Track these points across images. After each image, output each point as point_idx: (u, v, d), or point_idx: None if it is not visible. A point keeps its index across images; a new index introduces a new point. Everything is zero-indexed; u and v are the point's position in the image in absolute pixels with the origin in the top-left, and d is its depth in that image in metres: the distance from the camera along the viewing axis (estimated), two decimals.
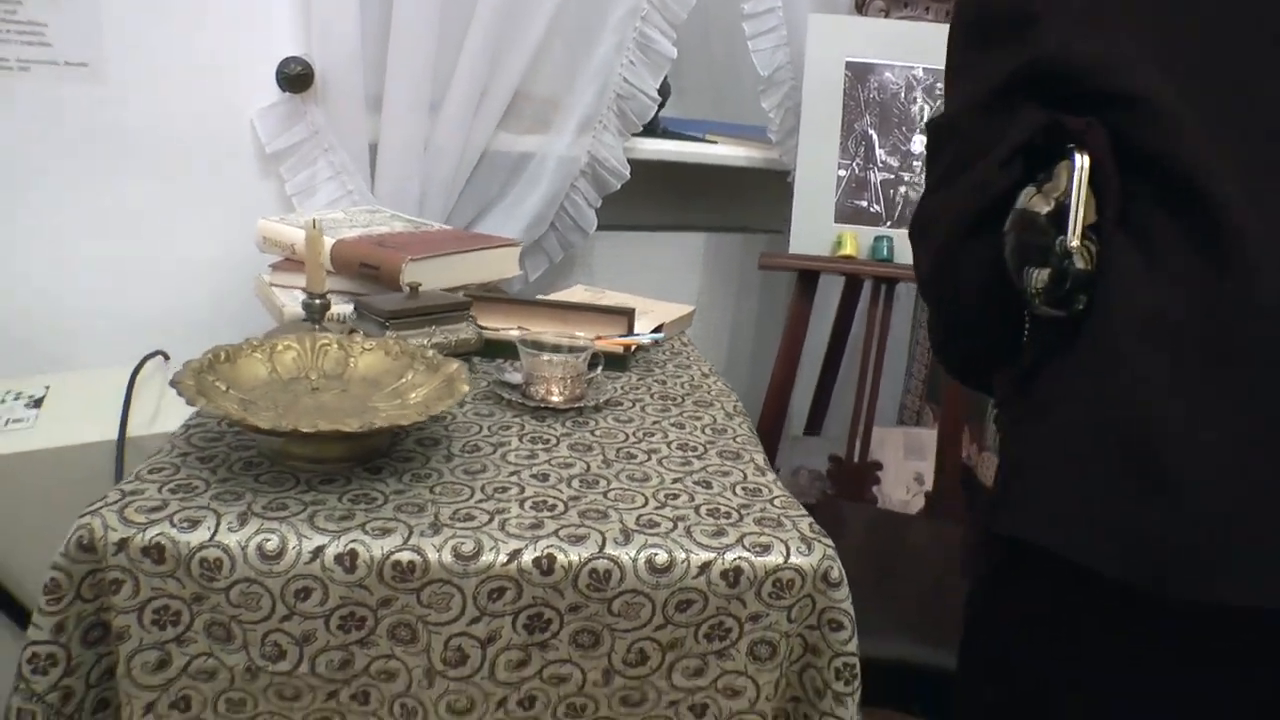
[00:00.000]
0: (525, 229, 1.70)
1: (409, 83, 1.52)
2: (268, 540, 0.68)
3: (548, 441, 0.90)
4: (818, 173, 1.77)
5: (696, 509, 0.79)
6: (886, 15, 1.79)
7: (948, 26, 0.92)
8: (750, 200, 2.19)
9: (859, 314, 2.06)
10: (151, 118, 1.46)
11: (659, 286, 2.02)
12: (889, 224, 1.77)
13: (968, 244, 0.81)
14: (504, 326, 1.16)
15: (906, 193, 1.77)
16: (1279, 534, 0.67)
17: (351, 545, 0.69)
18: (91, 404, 1.19)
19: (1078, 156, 0.73)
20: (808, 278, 1.80)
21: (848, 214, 1.78)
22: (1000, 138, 0.79)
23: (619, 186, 1.79)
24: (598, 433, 0.93)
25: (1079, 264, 0.72)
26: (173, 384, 0.75)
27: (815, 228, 1.77)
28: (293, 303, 1.19)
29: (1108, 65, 0.75)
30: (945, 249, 0.83)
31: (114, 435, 1.13)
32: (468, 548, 0.70)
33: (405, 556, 0.69)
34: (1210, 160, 0.72)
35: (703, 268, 2.09)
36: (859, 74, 1.76)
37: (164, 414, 1.22)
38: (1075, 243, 0.72)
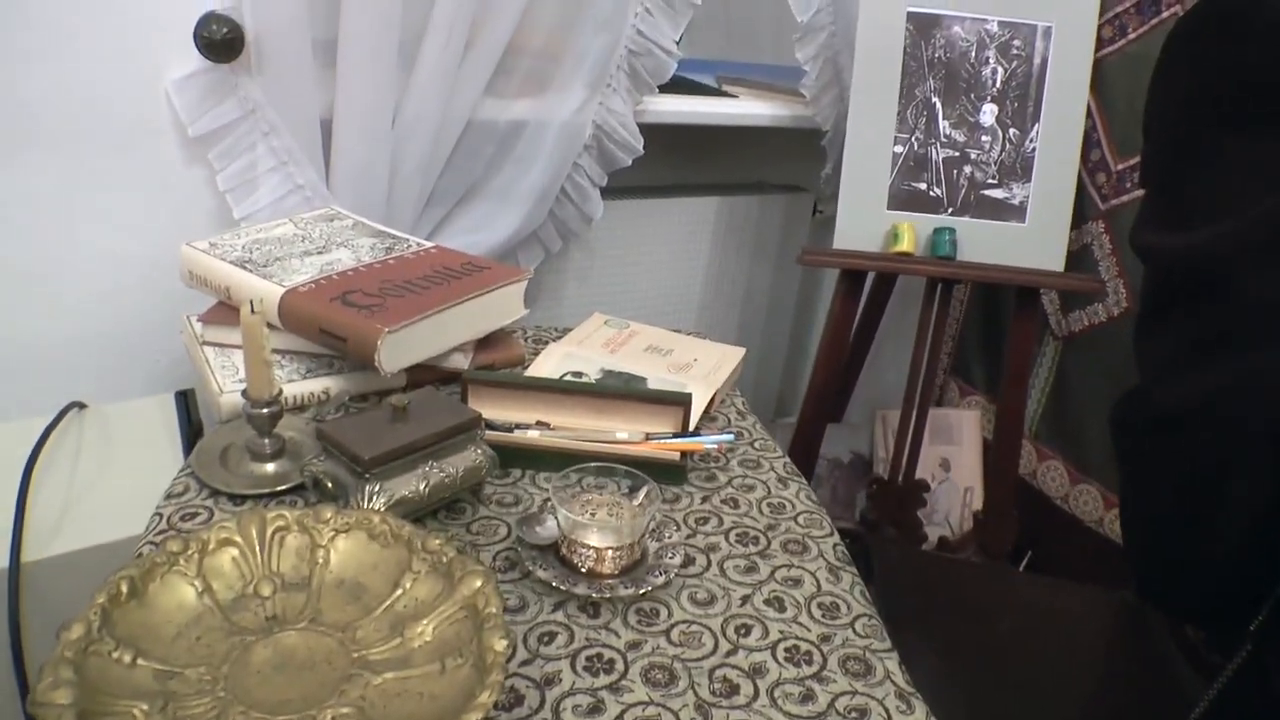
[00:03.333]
0: (522, 221, 1.38)
1: (370, 36, 1.17)
2: None
3: (610, 667, 0.62)
4: (870, 150, 1.46)
5: None
6: None
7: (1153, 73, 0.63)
8: (767, 154, 1.88)
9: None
10: (38, 89, 1.10)
11: (667, 260, 1.74)
12: (951, 211, 1.48)
13: (1249, 460, 0.54)
14: (518, 421, 0.87)
15: (972, 173, 1.48)
16: None
17: None
18: None
19: None
20: (854, 275, 1.51)
21: (903, 199, 1.48)
22: None
23: (630, 162, 1.47)
24: (676, 635, 0.66)
25: None
26: (38, 701, 0.46)
27: (865, 216, 1.48)
28: (233, 386, 0.89)
29: None
30: (1213, 466, 0.56)
31: None
32: None
33: None
34: None
35: (713, 235, 1.79)
36: (922, 27, 1.44)
37: (71, 520, 0.93)
38: None
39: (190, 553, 0.59)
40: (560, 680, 0.60)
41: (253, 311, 0.74)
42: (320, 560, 0.62)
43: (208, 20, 1.09)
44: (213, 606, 0.58)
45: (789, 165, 1.86)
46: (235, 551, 0.61)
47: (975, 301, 1.96)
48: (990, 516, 1.62)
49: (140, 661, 0.52)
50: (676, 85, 1.51)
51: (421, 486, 0.72)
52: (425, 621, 0.57)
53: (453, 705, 0.50)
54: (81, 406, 1.14)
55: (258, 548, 0.61)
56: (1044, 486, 1.76)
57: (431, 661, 0.55)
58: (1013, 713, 0.98)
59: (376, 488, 0.69)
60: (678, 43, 1.43)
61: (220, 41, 1.10)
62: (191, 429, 1.13)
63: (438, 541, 0.62)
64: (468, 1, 1.21)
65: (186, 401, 1.20)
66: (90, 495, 0.98)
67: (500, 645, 0.53)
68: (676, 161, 1.74)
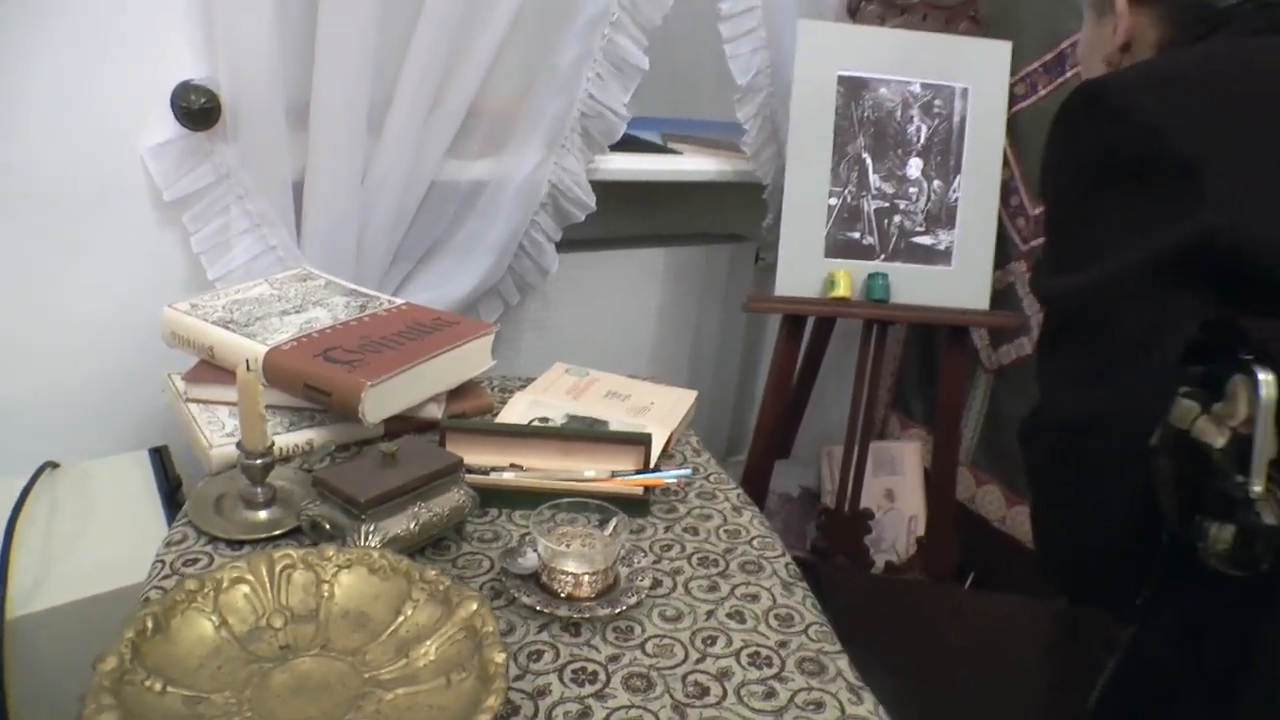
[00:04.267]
0: (484, 276, 1.46)
1: (342, 102, 1.24)
2: None
3: (594, 678, 0.69)
4: (807, 202, 1.57)
5: None
6: (882, 22, 1.58)
7: (1048, 156, 0.75)
8: (710, 206, 1.98)
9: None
10: (13, 155, 1.15)
11: (619, 309, 1.82)
12: (883, 257, 1.59)
13: (1121, 469, 0.64)
14: (493, 464, 0.94)
15: (901, 222, 1.59)
16: None
17: None
18: None
19: (1262, 375, 0.56)
20: (796, 319, 1.61)
21: (839, 247, 1.59)
22: (1155, 328, 0.63)
23: (583, 218, 1.56)
24: (650, 648, 0.73)
25: (1268, 519, 0.56)
26: None
27: (804, 264, 1.58)
28: (221, 440, 0.94)
29: None
30: (1093, 474, 0.66)
31: None
32: None
33: None
34: None
35: (662, 284, 1.88)
36: (852, 89, 1.56)
37: (57, 573, 0.97)
38: (1260, 488, 0.56)
39: (206, 590, 0.65)
40: (550, 691, 0.67)
41: (248, 370, 0.80)
42: (326, 594, 0.68)
43: (186, 90, 1.15)
44: (230, 639, 0.63)
45: (731, 216, 1.97)
46: (247, 588, 0.66)
47: (912, 339, 2.07)
48: (933, 540, 1.71)
49: (170, 689, 0.58)
50: (625, 143, 1.60)
51: (412, 525, 0.78)
52: (428, 643, 0.64)
53: (461, 713, 0.57)
54: (54, 465, 1.17)
55: (268, 584, 0.67)
56: (983, 510, 1.86)
57: (437, 677, 0.61)
58: (963, 717, 1.05)
59: (372, 527, 0.75)
60: (625, 104, 1.52)
61: (198, 111, 1.16)
62: (169, 484, 1.17)
63: (433, 572, 0.68)
64: (434, 67, 1.29)
65: (161, 458, 1.24)
66: (73, 551, 1.02)
67: (500, 657, 0.59)
68: (626, 215, 1.83)
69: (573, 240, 1.61)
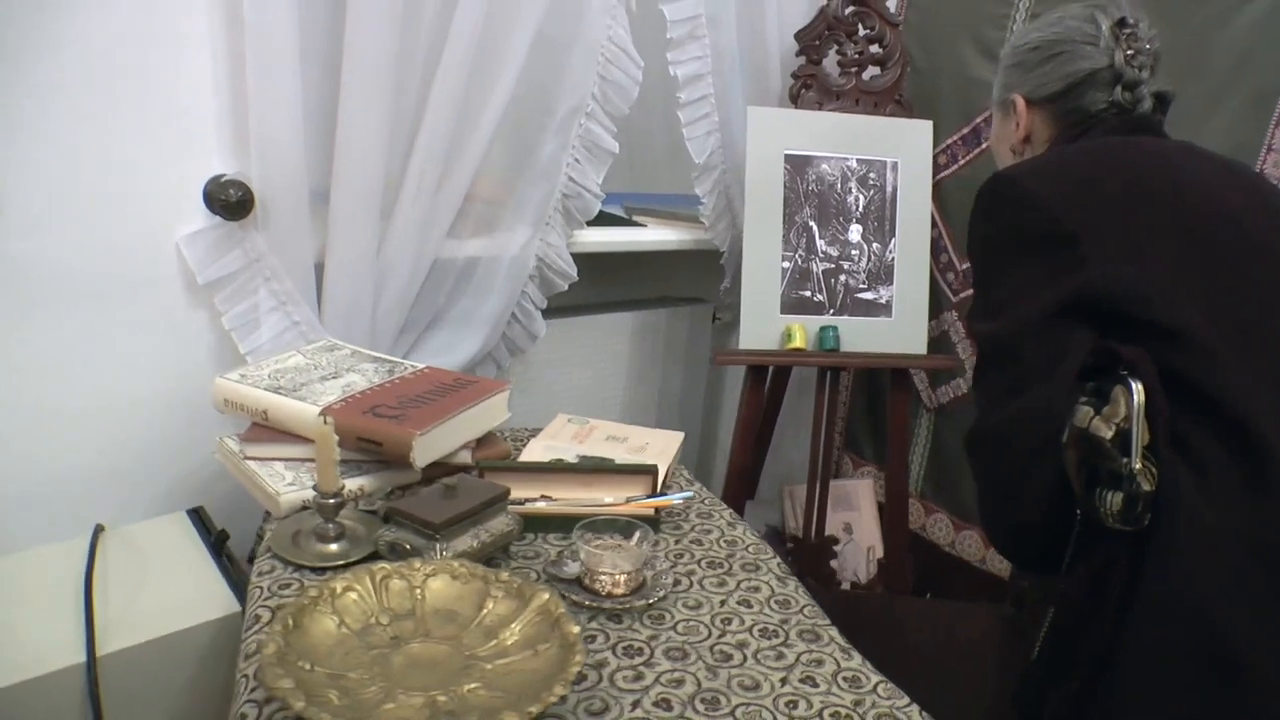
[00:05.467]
0: (482, 343, 1.62)
1: (359, 191, 1.40)
2: None
3: (640, 652, 0.85)
4: (763, 266, 1.78)
5: (822, 714, 0.79)
6: (820, 107, 1.81)
7: (974, 234, 0.97)
8: (670, 272, 2.18)
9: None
10: (59, 249, 1.27)
11: (593, 367, 1.99)
12: (832, 312, 1.80)
13: (1038, 460, 0.84)
14: (527, 497, 1.10)
15: (846, 280, 1.81)
16: None
17: None
18: (24, 610, 1.04)
19: (1134, 384, 0.78)
20: (759, 370, 1.80)
21: (793, 304, 1.79)
22: (1055, 356, 0.84)
23: (566, 287, 1.74)
24: (680, 628, 0.90)
25: (1145, 486, 0.77)
26: (271, 689, 0.65)
27: (763, 320, 1.78)
28: (285, 489, 1.08)
29: (1149, 297, 0.84)
30: (1017, 465, 0.86)
31: (76, 658, 0.99)
32: None
33: None
34: (1244, 385, 0.82)
35: (630, 344, 2.06)
36: (797, 165, 1.78)
37: (132, 616, 1.08)
38: (1139, 465, 0.77)
39: (325, 596, 0.79)
40: (608, 663, 0.83)
41: (326, 423, 0.95)
42: (419, 596, 0.83)
43: (224, 185, 1.30)
44: (349, 633, 0.78)
45: (689, 281, 2.17)
46: (355, 595, 0.81)
47: (858, 386, 2.28)
48: (891, 563, 1.89)
49: (317, 669, 0.72)
50: (595, 217, 1.79)
51: (474, 544, 0.93)
52: (512, 625, 0.79)
53: (552, 672, 0.72)
54: (101, 529, 1.29)
55: (372, 590, 0.82)
56: (933, 537, 2.05)
57: (525, 650, 0.76)
58: (928, 697, 1.22)
59: (445, 546, 0.90)
60: (599, 184, 1.72)
61: (235, 203, 1.31)
62: (213, 537, 1.29)
63: (506, 575, 0.84)
64: (435, 158, 1.47)
65: (200, 516, 1.36)
66: (143, 597, 1.14)
67: (575, 628, 0.75)
68: (596, 283, 2.01)
69: (550, 308, 1.78)
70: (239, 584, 1.17)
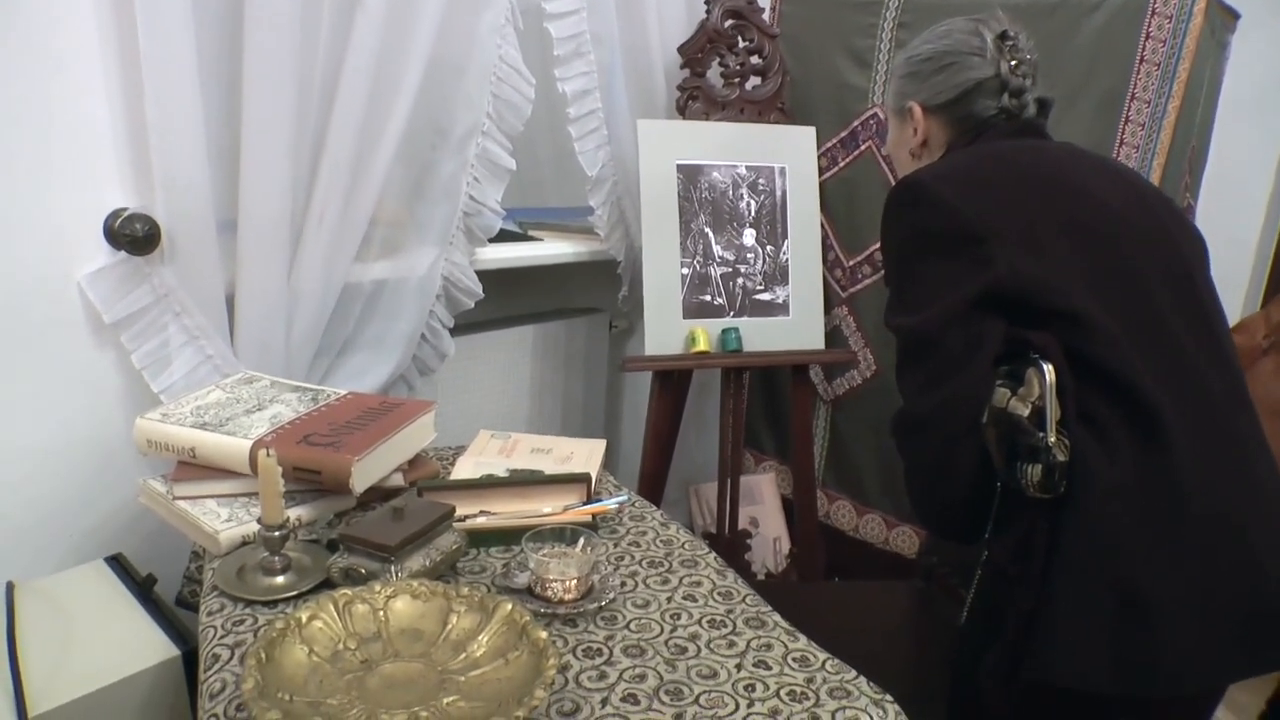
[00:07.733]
0: (395, 365, 1.63)
1: (268, 222, 1.39)
2: None
3: (599, 652, 0.90)
4: (664, 273, 1.84)
5: (779, 694, 0.85)
6: (707, 117, 1.89)
7: (885, 235, 1.07)
8: (566, 283, 2.22)
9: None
10: None
11: (497, 381, 2.02)
12: (733, 314, 1.88)
13: (963, 441, 0.93)
14: (468, 514, 1.12)
15: (744, 283, 1.89)
16: (1211, 644, 0.88)
17: None
18: None
19: (1045, 366, 0.89)
20: (666, 374, 1.87)
21: (694, 309, 1.87)
22: (973, 346, 0.93)
23: (473, 305, 1.76)
24: (633, 627, 0.95)
25: (1060, 457, 0.88)
26: None
27: (667, 326, 1.84)
28: (223, 526, 1.08)
29: (1051, 287, 0.95)
30: (945, 446, 0.95)
31: None
32: None
33: None
34: (1134, 361, 0.94)
35: (531, 357, 2.09)
36: (690, 174, 1.86)
37: (64, 672, 1.06)
38: (1054, 438, 0.87)
39: (292, 627, 0.81)
40: (572, 665, 0.87)
41: (269, 455, 0.96)
42: (383, 618, 0.85)
43: (129, 220, 1.27)
44: (320, 661, 0.80)
45: (585, 292, 2.22)
46: (320, 623, 0.83)
47: (756, 385, 2.37)
48: (803, 551, 1.99)
49: (296, 699, 0.74)
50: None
51: (426, 563, 0.96)
52: (480, 637, 0.82)
53: (527, 679, 0.76)
54: (13, 586, 1.24)
55: (336, 616, 0.83)
56: (837, 523, 2.16)
57: (495, 660, 0.80)
58: None
59: (399, 567, 0.93)
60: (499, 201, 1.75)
61: (141, 238, 1.28)
62: (142, 582, 1.26)
63: (466, 589, 0.87)
64: (340, 178, 1.47)
65: (121, 563, 1.33)
66: (71, 651, 1.10)
67: (543, 634, 0.79)
68: (495, 298, 2.04)
69: (454, 326, 1.80)
70: (174, 627, 1.15)
